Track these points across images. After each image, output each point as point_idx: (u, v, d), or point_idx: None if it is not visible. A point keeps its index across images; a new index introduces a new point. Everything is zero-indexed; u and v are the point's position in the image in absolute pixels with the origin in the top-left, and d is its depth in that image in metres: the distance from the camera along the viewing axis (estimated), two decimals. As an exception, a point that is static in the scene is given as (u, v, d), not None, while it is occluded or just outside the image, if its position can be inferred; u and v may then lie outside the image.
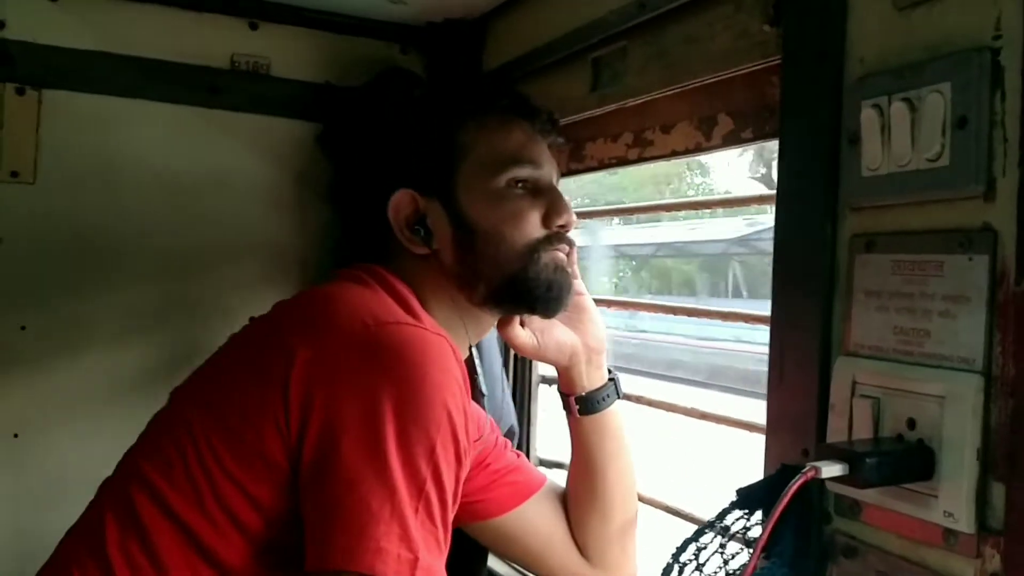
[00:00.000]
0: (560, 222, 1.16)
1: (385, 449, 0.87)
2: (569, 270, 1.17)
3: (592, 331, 1.27)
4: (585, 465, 1.30)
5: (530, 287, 1.14)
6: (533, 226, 1.15)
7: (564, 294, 1.17)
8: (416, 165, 1.16)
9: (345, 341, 0.96)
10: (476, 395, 1.29)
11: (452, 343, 0.99)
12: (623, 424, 1.30)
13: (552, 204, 1.16)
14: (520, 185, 1.15)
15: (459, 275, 1.14)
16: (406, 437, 0.88)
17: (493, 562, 1.58)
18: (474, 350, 1.32)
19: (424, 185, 1.15)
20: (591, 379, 1.27)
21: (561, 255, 1.16)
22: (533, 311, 1.18)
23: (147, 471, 1.01)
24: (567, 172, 1.52)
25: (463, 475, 0.95)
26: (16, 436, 1.49)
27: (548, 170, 1.19)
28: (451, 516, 0.93)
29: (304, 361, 0.94)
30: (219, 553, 0.95)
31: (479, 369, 1.30)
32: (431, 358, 0.94)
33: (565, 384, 1.29)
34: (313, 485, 0.90)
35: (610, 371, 1.30)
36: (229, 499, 0.95)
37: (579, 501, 1.32)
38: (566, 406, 1.29)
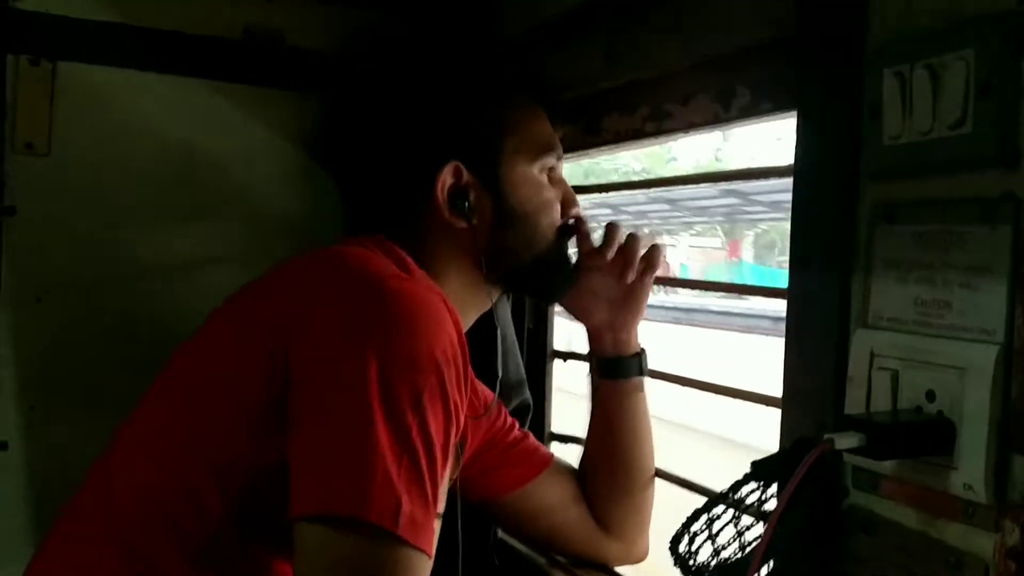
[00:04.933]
0: (573, 213, 1.22)
1: (368, 398, 0.86)
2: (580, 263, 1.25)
3: (632, 303, 1.29)
4: (604, 433, 1.32)
5: (550, 273, 1.21)
6: (557, 214, 1.20)
7: (568, 284, 1.25)
8: (466, 139, 1.16)
9: (335, 290, 0.96)
10: (488, 375, 1.30)
11: (448, 302, 0.98)
12: (645, 398, 1.31)
13: (567, 195, 1.22)
14: (547, 173, 1.18)
15: (489, 252, 1.15)
16: (390, 386, 0.87)
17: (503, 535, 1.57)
18: (499, 332, 1.33)
19: (471, 160, 1.15)
20: (616, 347, 1.30)
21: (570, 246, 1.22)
22: (540, 296, 1.25)
23: (133, 433, 1.03)
24: (583, 146, 1.51)
25: (454, 432, 0.94)
26: (32, 408, 1.50)
27: (562, 161, 1.24)
28: (442, 472, 0.91)
29: (293, 308, 0.95)
30: (197, 510, 0.95)
31: (499, 349, 1.31)
32: (421, 310, 0.93)
33: (592, 345, 1.33)
34: (296, 432, 0.90)
35: (641, 348, 1.31)
36: (212, 451, 0.96)
37: (597, 470, 1.33)
38: (590, 369, 1.31)
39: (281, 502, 0.87)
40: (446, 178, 1.13)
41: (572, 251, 1.27)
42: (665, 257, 1.28)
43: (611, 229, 1.24)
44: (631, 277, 1.25)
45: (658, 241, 1.35)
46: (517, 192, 1.15)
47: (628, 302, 1.28)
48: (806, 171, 0.98)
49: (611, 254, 1.24)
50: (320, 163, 1.69)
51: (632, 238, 1.25)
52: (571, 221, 1.21)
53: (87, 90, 1.52)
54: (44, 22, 1.46)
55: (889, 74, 0.84)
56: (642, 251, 1.25)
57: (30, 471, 1.49)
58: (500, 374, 1.28)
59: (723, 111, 1.22)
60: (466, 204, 1.13)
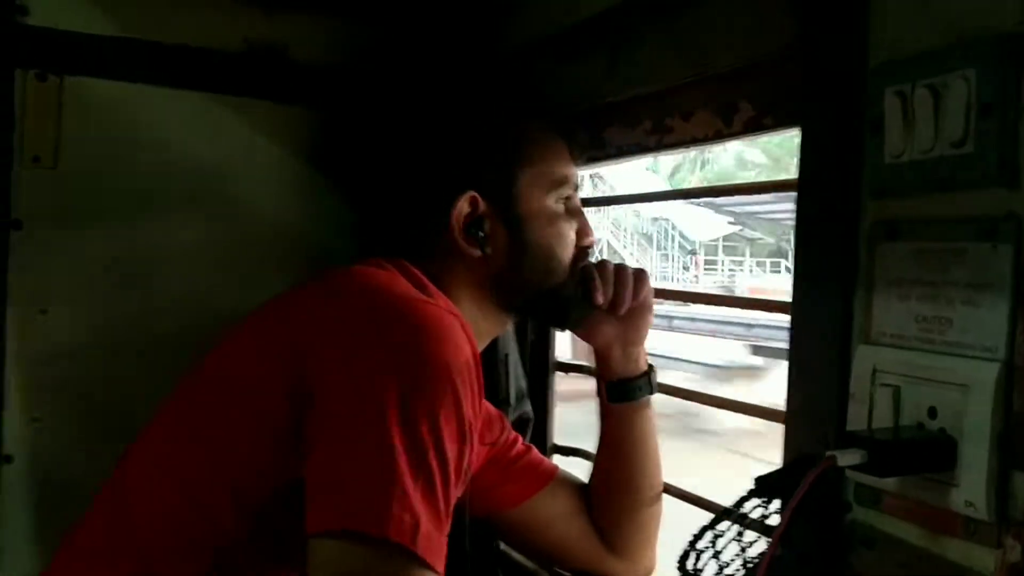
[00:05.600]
0: (586, 242, 1.22)
1: (386, 416, 0.87)
2: (593, 294, 1.21)
3: (637, 322, 1.28)
4: (612, 452, 1.32)
5: (564, 303, 1.21)
6: (572, 245, 1.20)
7: (581, 314, 1.24)
8: (483, 168, 1.17)
9: (355, 311, 0.97)
10: (500, 403, 1.31)
11: (465, 324, 0.99)
12: (653, 416, 1.31)
13: (583, 225, 1.22)
14: (563, 202, 1.19)
15: (503, 281, 1.16)
16: (408, 406, 0.88)
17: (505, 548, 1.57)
18: (509, 361, 1.34)
19: (487, 189, 1.15)
20: (624, 367, 1.29)
21: (593, 273, 1.22)
22: (552, 324, 1.25)
23: (148, 449, 1.04)
24: (585, 160, 1.52)
25: (467, 453, 0.95)
26: (36, 421, 1.50)
27: (578, 190, 1.24)
28: (454, 492, 0.92)
29: (313, 328, 0.96)
30: (213, 527, 0.96)
31: (511, 376, 1.32)
32: (440, 332, 0.94)
33: (599, 368, 1.32)
34: (315, 450, 0.90)
35: (650, 365, 1.31)
36: (229, 469, 0.96)
37: (604, 489, 1.33)
38: (598, 390, 1.31)
39: (297, 520, 0.88)
40: (462, 207, 1.13)
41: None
42: (649, 282, 1.29)
43: (602, 269, 1.23)
44: (623, 311, 1.25)
45: (644, 268, 1.34)
46: (532, 223, 1.16)
47: (632, 324, 1.28)
48: (809, 187, 0.98)
49: (607, 297, 1.23)
50: (335, 182, 1.70)
51: (620, 273, 1.25)
52: (583, 249, 1.22)
53: (94, 104, 1.52)
54: (51, 37, 1.47)
55: (891, 93, 0.85)
56: (631, 282, 1.25)
57: (35, 485, 1.49)
58: (512, 402, 1.29)
59: (725, 126, 1.22)
60: (481, 234, 1.14)
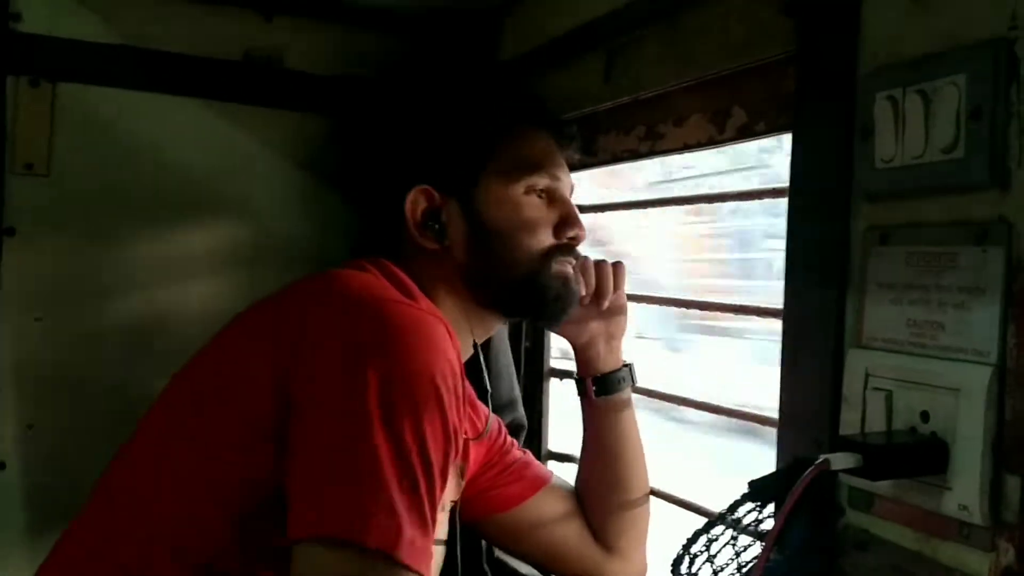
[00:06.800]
0: (571, 234, 1.20)
1: (370, 421, 0.86)
2: (575, 287, 1.21)
3: (619, 315, 1.31)
4: (599, 449, 1.33)
5: (539, 295, 1.18)
6: (546, 235, 1.18)
7: (568, 307, 1.21)
8: (438, 162, 1.18)
9: (336, 313, 0.96)
10: (480, 392, 1.31)
11: (449, 328, 0.99)
12: (634, 414, 1.33)
13: (565, 215, 1.20)
14: (537, 193, 1.18)
15: (469, 274, 1.16)
16: (391, 408, 0.88)
17: (501, 553, 1.57)
18: (499, 365, 1.34)
19: (443, 182, 1.16)
20: (606, 361, 1.32)
21: (569, 268, 1.20)
22: (536, 319, 1.25)
23: (134, 455, 1.03)
24: (579, 166, 1.52)
25: (452, 454, 0.94)
26: (30, 428, 1.50)
27: (565, 182, 1.22)
28: (439, 493, 0.92)
29: (295, 331, 0.96)
30: (199, 533, 0.95)
31: (483, 367, 1.32)
32: (422, 334, 0.94)
33: (582, 365, 1.33)
34: (297, 453, 0.90)
35: (626, 362, 1.32)
36: (215, 473, 0.96)
37: (594, 487, 1.34)
38: (581, 390, 1.33)
39: (282, 525, 0.88)
40: (415, 200, 1.15)
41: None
42: (627, 275, 1.31)
43: (583, 267, 1.24)
44: (605, 304, 1.27)
45: (622, 260, 1.35)
46: (493, 213, 1.16)
47: (613, 318, 1.31)
48: (800, 192, 0.99)
49: (590, 291, 1.25)
50: (331, 185, 1.70)
51: (600, 267, 1.26)
52: (566, 241, 1.20)
53: (87, 111, 1.53)
54: (44, 44, 1.48)
55: (881, 98, 0.85)
56: (611, 274, 1.27)
57: (28, 491, 1.49)
58: (490, 389, 1.29)
59: (718, 132, 1.23)
60: (436, 226, 1.14)
